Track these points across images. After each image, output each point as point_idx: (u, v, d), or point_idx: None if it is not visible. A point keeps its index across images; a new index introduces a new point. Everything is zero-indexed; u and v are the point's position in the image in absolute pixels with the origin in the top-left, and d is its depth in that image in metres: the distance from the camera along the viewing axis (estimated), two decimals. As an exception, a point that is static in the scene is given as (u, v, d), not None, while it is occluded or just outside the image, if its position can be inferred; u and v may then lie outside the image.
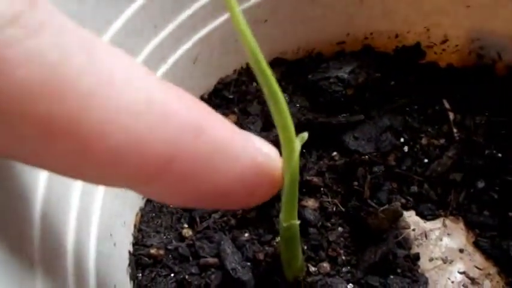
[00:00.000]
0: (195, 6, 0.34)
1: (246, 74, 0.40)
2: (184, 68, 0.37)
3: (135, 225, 0.32)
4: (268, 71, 0.19)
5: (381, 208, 0.32)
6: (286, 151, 0.20)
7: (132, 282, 0.30)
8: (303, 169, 0.36)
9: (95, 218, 0.29)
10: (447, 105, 0.40)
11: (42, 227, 0.23)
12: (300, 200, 0.34)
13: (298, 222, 0.25)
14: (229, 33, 0.38)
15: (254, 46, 0.18)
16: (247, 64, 0.41)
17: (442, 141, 0.38)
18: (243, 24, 0.17)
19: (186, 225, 0.33)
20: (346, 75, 0.39)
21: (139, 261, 0.31)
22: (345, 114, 0.38)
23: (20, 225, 0.22)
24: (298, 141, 0.21)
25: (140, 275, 0.30)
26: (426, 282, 0.32)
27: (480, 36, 0.43)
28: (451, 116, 0.39)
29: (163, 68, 0.35)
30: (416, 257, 0.33)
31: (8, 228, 0.21)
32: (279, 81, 0.40)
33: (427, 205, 0.36)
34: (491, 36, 0.42)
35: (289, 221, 0.24)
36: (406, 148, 0.38)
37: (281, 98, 0.19)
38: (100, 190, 0.29)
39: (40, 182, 0.25)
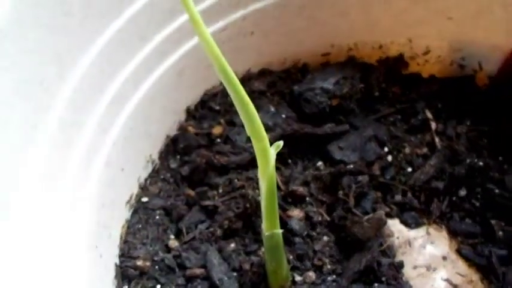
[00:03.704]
0: (181, 19, 0.35)
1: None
2: (170, 80, 0.37)
3: (121, 237, 0.32)
4: (237, 82, 0.19)
5: (366, 217, 0.33)
6: (262, 161, 0.21)
7: (118, 294, 0.30)
8: (288, 179, 0.37)
9: (81, 229, 0.29)
10: (429, 115, 0.40)
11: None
12: (285, 209, 0.35)
13: (280, 231, 0.25)
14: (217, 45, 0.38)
15: (221, 60, 0.18)
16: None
17: (425, 150, 0.39)
18: (210, 42, 0.18)
19: (172, 236, 0.33)
20: (331, 86, 0.40)
21: (125, 273, 0.31)
22: (330, 125, 0.39)
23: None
24: (273, 150, 0.21)
25: (126, 287, 0.30)
26: (410, 290, 0.32)
27: (462, 46, 0.44)
28: (433, 125, 0.40)
29: (150, 80, 0.35)
30: (401, 265, 0.33)
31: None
32: (265, 92, 0.40)
33: (411, 213, 0.36)
34: (472, 47, 0.43)
35: (271, 230, 0.25)
36: (390, 157, 0.38)
37: (252, 109, 0.20)
38: (88, 199, 0.29)
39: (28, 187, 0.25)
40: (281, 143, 0.22)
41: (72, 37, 0.29)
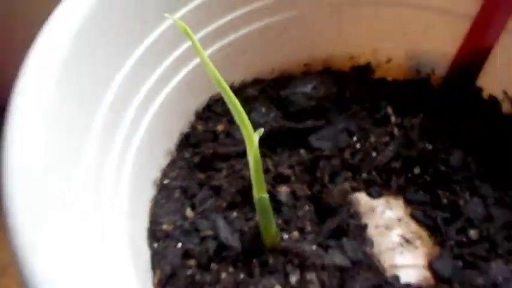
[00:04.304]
0: (187, 44, 0.45)
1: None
2: (182, 90, 0.47)
3: (150, 209, 0.42)
4: (228, 89, 0.29)
5: (335, 188, 0.42)
6: (248, 141, 0.31)
7: (150, 249, 0.40)
8: (277, 164, 0.46)
9: (121, 203, 0.39)
10: (390, 111, 0.50)
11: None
12: (275, 186, 0.45)
13: (267, 195, 0.35)
14: (215, 62, 0.48)
15: (216, 73, 0.28)
16: (231, 83, 0.51)
17: (387, 138, 0.48)
18: (209, 64, 0.28)
19: (188, 209, 0.43)
20: (309, 90, 0.50)
21: (155, 235, 0.40)
22: (309, 121, 0.49)
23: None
24: (256, 134, 0.31)
25: (156, 244, 0.40)
26: (372, 243, 0.42)
27: (417, 55, 0.54)
28: (393, 119, 0.50)
29: (166, 90, 0.45)
30: (365, 226, 0.43)
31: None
32: (257, 97, 0.50)
33: (375, 188, 0.46)
34: (425, 55, 0.53)
35: (259, 194, 0.34)
36: (358, 145, 0.48)
37: (238, 105, 0.30)
38: (124, 182, 0.39)
39: (84, 178, 0.35)
40: (262, 130, 0.32)
41: (109, 60, 0.39)
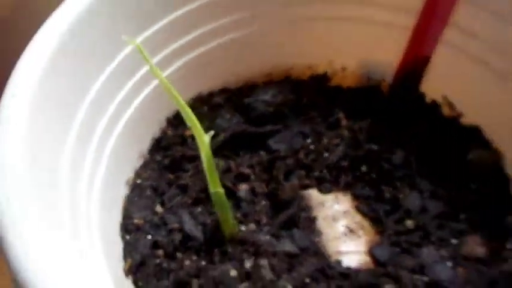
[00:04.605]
0: (155, 59, 0.50)
1: (199, 100, 0.56)
2: (154, 99, 0.52)
3: (123, 206, 0.47)
4: (182, 102, 0.34)
5: (287, 184, 0.48)
6: (200, 141, 0.36)
7: (122, 241, 0.45)
8: (239, 164, 0.52)
9: (94, 204, 0.44)
10: (341, 115, 0.56)
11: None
12: (236, 184, 0.50)
13: (222, 190, 0.41)
14: (183, 75, 0.54)
15: (172, 90, 0.34)
16: (199, 93, 0.57)
17: (338, 140, 0.54)
18: (165, 83, 0.33)
19: (158, 205, 0.48)
20: (269, 98, 0.55)
21: (127, 228, 0.46)
22: (269, 126, 0.54)
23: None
24: (207, 136, 0.36)
25: (128, 237, 0.45)
26: (320, 233, 0.47)
27: (368, 64, 0.59)
28: (344, 122, 0.55)
29: (138, 100, 0.50)
30: (314, 218, 0.48)
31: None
32: (223, 104, 0.56)
33: (325, 184, 0.51)
34: (374, 64, 0.59)
35: (215, 189, 0.40)
36: (312, 146, 0.53)
37: (189, 111, 0.35)
38: (99, 181, 0.44)
39: (64, 177, 0.40)
40: (212, 132, 0.37)
41: (85, 73, 0.44)
